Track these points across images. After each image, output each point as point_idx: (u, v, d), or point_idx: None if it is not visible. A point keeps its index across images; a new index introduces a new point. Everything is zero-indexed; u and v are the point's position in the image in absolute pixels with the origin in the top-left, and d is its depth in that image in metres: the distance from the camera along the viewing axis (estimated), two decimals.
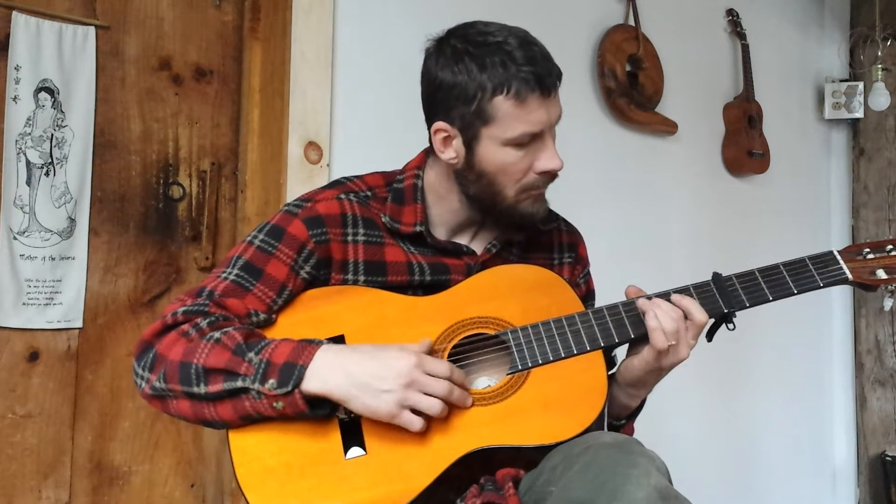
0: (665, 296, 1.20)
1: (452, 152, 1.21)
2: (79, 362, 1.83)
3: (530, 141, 1.17)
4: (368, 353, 1.10)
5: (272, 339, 1.11)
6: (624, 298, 1.22)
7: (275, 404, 1.07)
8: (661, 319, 1.15)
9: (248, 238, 1.22)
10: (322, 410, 1.09)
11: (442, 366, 1.11)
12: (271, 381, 1.06)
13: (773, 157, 2.98)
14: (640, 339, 1.21)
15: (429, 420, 1.09)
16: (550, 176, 1.22)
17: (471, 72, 1.14)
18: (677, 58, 2.71)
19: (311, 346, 1.09)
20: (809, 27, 3.34)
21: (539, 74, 1.14)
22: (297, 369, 1.06)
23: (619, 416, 1.29)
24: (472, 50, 1.15)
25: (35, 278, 1.78)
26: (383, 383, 1.07)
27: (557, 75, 1.18)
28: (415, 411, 1.08)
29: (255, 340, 1.10)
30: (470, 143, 1.19)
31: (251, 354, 1.07)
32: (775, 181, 3.05)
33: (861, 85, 3.22)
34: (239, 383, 1.07)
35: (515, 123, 1.15)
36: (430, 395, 1.08)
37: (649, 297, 1.19)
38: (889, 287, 1.25)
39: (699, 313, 1.17)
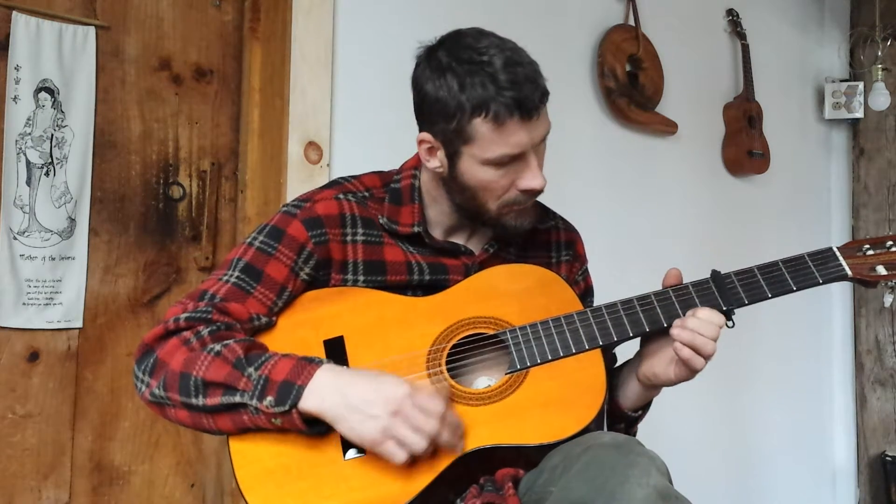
0: (665, 295, 1.20)
1: (437, 162, 1.21)
2: (79, 362, 1.83)
3: (511, 161, 1.16)
4: (365, 376, 1.09)
5: (273, 354, 1.10)
6: (621, 297, 1.22)
7: (273, 420, 1.07)
8: (699, 349, 1.15)
9: (248, 240, 1.22)
10: (319, 428, 1.09)
11: (435, 404, 1.07)
12: (269, 399, 1.05)
13: (773, 157, 2.98)
14: (644, 336, 1.22)
15: (412, 456, 1.06)
16: (533, 193, 1.20)
17: (451, 89, 1.13)
18: (677, 58, 2.71)
19: (311, 365, 1.08)
20: (809, 27, 3.34)
21: (519, 99, 1.11)
22: (295, 389, 1.06)
23: (635, 408, 1.29)
24: (456, 66, 1.13)
25: (35, 278, 1.78)
26: (371, 408, 1.05)
27: (541, 98, 1.14)
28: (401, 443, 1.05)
29: (255, 354, 1.10)
30: (452, 158, 1.18)
31: (251, 370, 1.07)
32: (775, 181, 3.05)
33: (861, 85, 3.22)
34: (237, 398, 1.07)
35: (494, 146, 1.14)
36: (417, 431, 1.05)
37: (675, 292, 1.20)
38: (889, 283, 1.24)
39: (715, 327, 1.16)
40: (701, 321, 1.15)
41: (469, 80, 1.12)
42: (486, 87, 1.11)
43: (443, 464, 1.09)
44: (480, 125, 1.13)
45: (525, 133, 1.14)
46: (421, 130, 1.21)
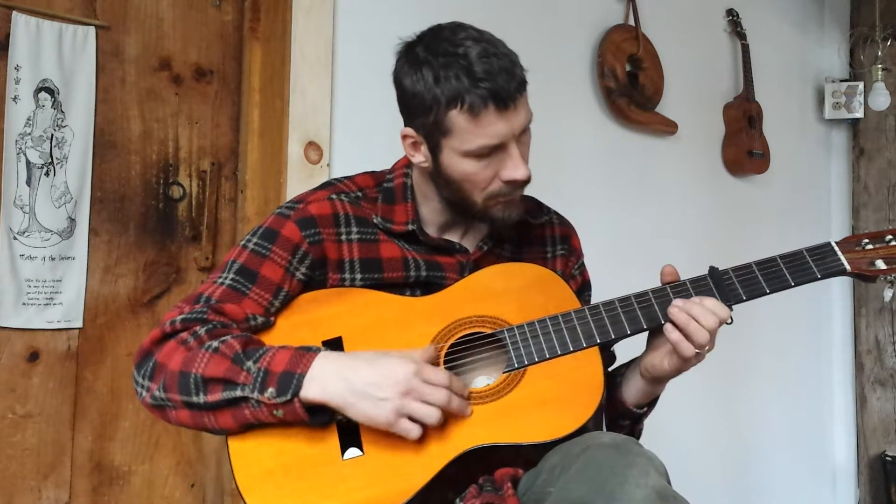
0: (663, 293, 1.20)
1: (421, 157, 1.21)
2: (79, 362, 1.83)
3: (492, 152, 1.15)
4: (367, 360, 1.10)
5: (270, 347, 1.11)
6: (620, 295, 1.22)
7: (275, 412, 1.07)
8: (690, 335, 1.15)
9: (242, 242, 1.23)
10: (322, 418, 1.09)
11: (441, 375, 1.10)
12: (270, 390, 1.06)
13: (773, 157, 2.98)
14: (647, 332, 1.22)
15: (426, 428, 1.09)
16: (517, 184, 1.20)
17: (427, 83, 1.14)
18: (677, 58, 2.71)
19: (308, 353, 1.09)
20: (809, 27, 3.34)
21: (494, 90, 1.11)
22: (295, 378, 1.06)
23: (639, 404, 1.28)
24: (431, 60, 1.14)
25: (35, 278, 1.78)
26: (381, 391, 1.06)
27: (517, 88, 1.14)
28: (413, 419, 1.08)
29: (253, 348, 1.10)
30: (434, 151, 1.19)
31: (249, 363, 1.08)
32: (775, 181, 3.05)
33: (861, 85, 3.22)
34: (238, 392, 1.07)
35: (471, 137, 1.14)
36: (428, 404, 1.07)
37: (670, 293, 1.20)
38: (888, 278, 1.24)
39: (715, 317, 1.16)
40: (703, 309, 1.15)
41: (444, 73, 1.12)
42: (461, 79, 1.11)
43: (440, 463, 1.09)
44: (456, 117, 1.13)
45: (503, 123, 1.14)
46: (404, 126, 1.22)
